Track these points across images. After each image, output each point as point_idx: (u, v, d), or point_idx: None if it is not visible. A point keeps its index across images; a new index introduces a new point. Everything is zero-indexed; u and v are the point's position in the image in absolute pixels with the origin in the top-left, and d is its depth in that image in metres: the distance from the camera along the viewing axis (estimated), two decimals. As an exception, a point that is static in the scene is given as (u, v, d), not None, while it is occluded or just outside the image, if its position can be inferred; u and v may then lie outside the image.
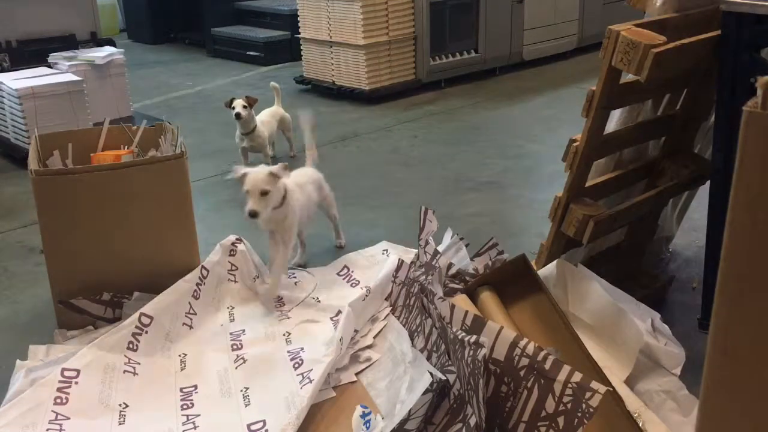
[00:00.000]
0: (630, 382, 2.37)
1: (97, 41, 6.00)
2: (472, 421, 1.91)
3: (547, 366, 1.87)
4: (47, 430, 2.25)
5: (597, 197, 2.67)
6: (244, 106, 4.49)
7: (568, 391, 1.82)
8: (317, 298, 2.91)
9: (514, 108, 6.14)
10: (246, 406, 2.38)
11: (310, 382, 2.39)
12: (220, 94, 6.74)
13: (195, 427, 2.30)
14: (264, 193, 2.81)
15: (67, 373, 2.44)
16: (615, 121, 2.75)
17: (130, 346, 2.62)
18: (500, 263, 2.72)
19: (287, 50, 7.99)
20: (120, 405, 2.39)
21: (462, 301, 2.41)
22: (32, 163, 2.91)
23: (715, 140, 2.52)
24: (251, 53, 8.21)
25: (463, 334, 2.03)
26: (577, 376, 1.82)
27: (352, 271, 3.12)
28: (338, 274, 3.15)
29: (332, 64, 6.50)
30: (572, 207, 2.55)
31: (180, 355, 2.67)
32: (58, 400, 2.35)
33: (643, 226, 2.99)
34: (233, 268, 3.06)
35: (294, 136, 5.03)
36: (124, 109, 5.48)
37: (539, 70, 7.34)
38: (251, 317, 2.89)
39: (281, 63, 8.02)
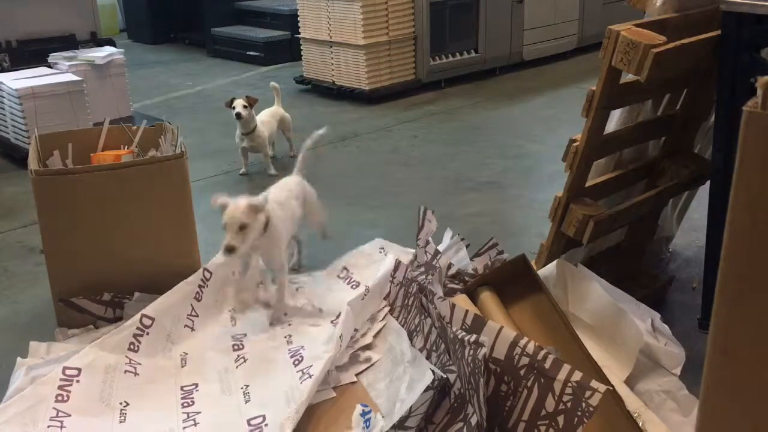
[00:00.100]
0: (630, 382, 2.37)
1: (97, 41, 6.00)
2: (473, 420, 1.91)
3: (547, 365, 1.87)
4: (48, 427, 2.25)
5: (597, 197, 2.67)
6: (245, 106, 4.49)
7: (568, 390, 1.82)
8: (320, 309, 2.91)
9: (514, 108, 6.14)
10: (246, 402, 2.38)
11: (310, 377, 2.39)
12: (220, 94, 6.74)
13: (195, 424, 2.31)
14: (243, 227, 2.61)
15: (68, 372, 2.44)
16: (615, 121, 2.75)
17: (131, 347, 2.62)
18: (500, 263, 2.73)
19: (287, 50, 7.99)
20: (121, 403, 2.40)
21: (462, 301, 2.41)
22: (32, 163, 2.91)
23: (715, 140, 2.52)
24: (251, 53, 8.21)
25: (464, 333, 2.03)
26: (577, 375, 1.82)
27: (352, 273, 3.12)
28: (338, 276, 3.15)
29: (332, 64, 6.50)
30: (572, 207, 2.55)
31: (181, 354, 2.67)
32: (59, 398, 2.35)
33: (643, 226, 2.99)
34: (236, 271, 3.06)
35: (294, 136, 5.04)
36: (124, 109, 5.48)
37: (539, 70, 7.34)
38: (253, 320, 2.88)
39: (281, 63, 8.02)
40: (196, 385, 2.49)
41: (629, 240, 2.99)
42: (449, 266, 2.77)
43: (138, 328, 2.67)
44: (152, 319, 2.70)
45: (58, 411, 2.30)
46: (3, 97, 4.90)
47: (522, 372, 1.92)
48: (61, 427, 2.26)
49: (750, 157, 1.52)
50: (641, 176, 2.88)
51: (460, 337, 2.01)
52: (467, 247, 2.96)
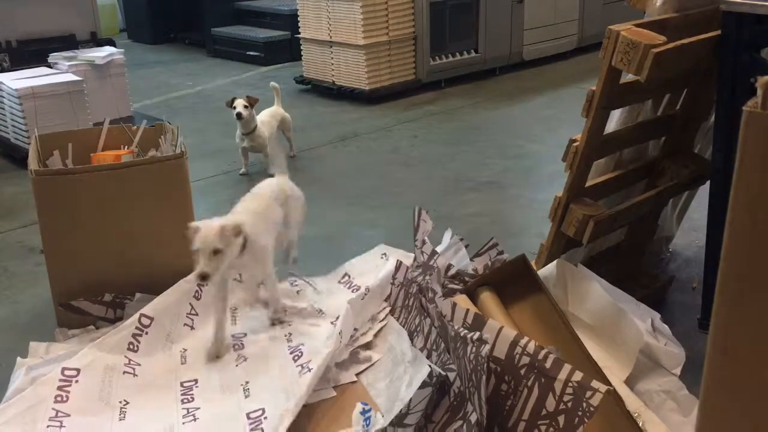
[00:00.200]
0: (630, 382, 2.37)
1: (97, 41, 6.01)
2: (473, 419, 1.91)
3: (548, 365, 1.87)
4: (47, 427, 2.25)
5: (597, 197, 2.67)
6: (245, 106, 4.49)
7: (569, 390, 1.82)
8: (320, 310, 2.91)
9: (514, 108, 6.14)
10: (246, 397, 2.39)
11: (309, 371, 2.40)
12: (220, 94, 6.74)
13: (195, 420, 2.31)
14: (217, 252, 2.45)
15: (67, 372, 2.44)
16: (615, 121, 2.75)
17: (131, 347, 2.62)
18: (500, 263, 2.72)
19: (287, 50, 7.99)
20: (120, 402, 2.40)
21: (462, 301, 2.41)
22: (32, 163, 2.91)
23: (715, 140, 2.52)
24: (251, 53, 8.21)
25: (465, 331, 2.03)
26: (578, 375, 1.82)
27: (353, 278, 3.12)
28: (339, 282, 3.15)
29: (332, 64, 6.50)
30: (572, 207, 2.55)
31: (181, 351, 2.68)
32: (59, 398, 2.35)
33: (643, 226, 2.99)
34: None
35: (294, 136, 5.05)
36: (124, 109, 5.48)
37: (539, 70, 7.35)
38: (253, 319, 2.88)
39: (281, 63, 8.02)
40: (196, 381, 2.50)
41: (629, 240, 2.99)
42: (449, 266, 2.77)
43: (137, 328, 2.67)
44: (151, 318, 2.70)
45: (57, 411, 2.31)
46: (3, 97, 4.90)
47: (522, 371, 1.92)
48: (61, 426, 2.26)
49: (750, 157, 1.52)
50: (641, 176, 2.88)
51: (462, 334, 2.01)
52: (467, 247, 2.95)
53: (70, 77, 4.95)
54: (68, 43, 5.82)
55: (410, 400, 1.99)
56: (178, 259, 2.92)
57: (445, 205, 4.02)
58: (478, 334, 1.97)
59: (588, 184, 2.63)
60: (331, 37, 6.40)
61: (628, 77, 2.40)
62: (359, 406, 2.21)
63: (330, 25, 6.37)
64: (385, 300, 2.89)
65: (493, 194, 4.27)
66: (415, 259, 2.86)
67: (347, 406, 2.35)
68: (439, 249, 2.89)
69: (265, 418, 2.26)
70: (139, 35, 9.70)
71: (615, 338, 2.44)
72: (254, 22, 8.75)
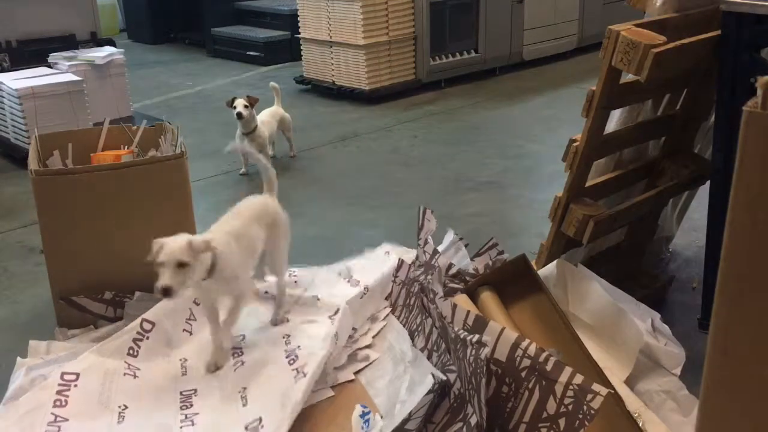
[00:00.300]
0: (630, 382, 2.37)
1: (97, 41, 6.01)
2: (473, 421, 1.91)
3: (549, 367, 1.87)
4: (45, 431, 2.25)
5: (597, 197, 2.67)
6: (246, 106, 4.49)
7: (570, 393, 1.82)
8: (317, 296, 2.90)
9: (514, 108, 6.14)
10: (244, 406, 2.38)
11: (304, 376, 2.39)
12: (220, 94, 6.74)
13: (193, 425, 2.31)
14: (182, 265, 2.29)
15: (66, 377, 2.43)
16: (615, 121, 2.75)
17: (131, 351, 2.61)
18: (500, 263, 2.72)
19: (287, 50, 7.99)
20: (119, 406, 2.39)
21: (462, 301, 2.41)
22: (32, 163, 2.91)
23: (715, 140, 2.52)
24: (251, 53, 8.21)
25: (465, 333, 2.03)
26: (579, 378, 1.82)
27: (353, 272, 3.12)
28: (339, 274, 3.14)
29: (332, 64, 6.50)
30: (572, 207, 2.55)
31: (181, 360, 2.66)
32: (58, 403, 2.34)
33: (643, 226, 2.99)
34: None
35: (294, 136, 5.05)
36: (124, 109, 5.48)
37: (539, 70, 7.35)
38: (252, 321, 2.87)
39: (281, 63, 8.02)
40: (195, 390, 2.48)
41: (629, 240, 2.99)
42: (450, 266, 2.77)
43: (138, 333, 2.65)
44: (153, 323, 2.69)
45: (56, 416, 2.29)
46: (3, 97, 4.90)
47: (523, 374, 1.92)
48: (59, 431, 2.26)
49: (750, 157, 1.52)
50: (641, 176, 2.88)
51: (462, 337, 2.01)
52: (467, 247, 2.96)
53: (70, 77, 4.95)
54: (68, 43, 5.83)
55: (411, 410, 1.98)
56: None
57: (445, 205, 4.02)
58: (477, 336, 1.97)
59: (588, 184, 2.63)
60: (331, 37, 6.40)
61: (628, 77, 2.40)
62: (358, 409, 2.20)
63: (330, 25, 6.37)
64: (386, 298, 2.88)
65: (493, 194, 4.27)
66: (417, 258, 2.86)
67: (345, 404, 2.35)
68: (439, 248, 2.89)
69: (263, 427, 2.25)
70: (139, 35, 9.70)
71: (615, 338, 2.44)
72: (254, 22, 8.75)
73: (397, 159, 4.96)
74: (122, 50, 5.68)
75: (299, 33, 6.74)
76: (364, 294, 2.82)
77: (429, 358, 2.30)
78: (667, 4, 2.55)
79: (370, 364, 2.59)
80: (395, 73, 6.42)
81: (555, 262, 2.65)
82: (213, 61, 8.53)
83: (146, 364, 2.60)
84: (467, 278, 2.72)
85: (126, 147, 3.32)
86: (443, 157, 4.94)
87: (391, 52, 6.34)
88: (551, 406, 1.85)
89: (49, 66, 5.38)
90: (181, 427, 2.30)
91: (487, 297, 2.46)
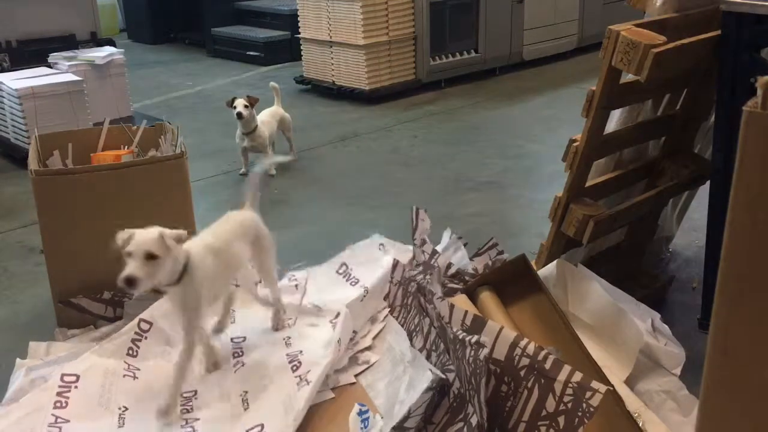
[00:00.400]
0: (630, 382, 2.37)
1: (97, 41, 6.01)
2: (474, 421, 1.91)
3: (548, 366, 1.87)
4: None
5: (597, 197, 2.67)
6: (246, 106, 4.49)
7: (569, 391, 1.82)
8: (318, 307, 2.90)
9: (514, 108, 6.14)
10: (245, 410, 2.37)
11: (308, 383, 2.38)
12: (220, 94, 6.74)
13: (194, 430, 2.30)
14: (151, 257, 2.13)
15: (66, 378, 2.43)
16: (615, 121, 2.75)
17: (130, 352, 2.61)
18: (500, 263, 2.73)
19: (287, 50, 7.99)
20: (120, 408, 2.38)
21: (462, 301, 2.41)
22: (32, 163, 2.91)
23: (715, 140, 2.52)
24: (251, 53, 8.21)
25: (464, 333, 2.03)
26: (578, 376, 1.82)
27: (351, 269, 3.11)
28: (337, 272, 3.14)
29: (332, 64, 6.50)
30: (572, 207, 2.55)
31: None
32: (58, 404, 2.33)
33: (643, 226, 2.99)
34: None
35: (294, 136, 5.05)
36: (124, 109, 5.48)
37: (539, 70, 7.35)
38: (252, 322, 2.87)
39: (281, 63, 8.02)
40: (195, 392, 2.47)
41: (629, 240, 2.99)
42: (449, 266, 2.77)
43: (136, 333, 2.65)
44: (150, 323, 2.68)
45: (56, 417, 2.29)
46: (3, 97, 4.90)
47: (522, 373, 1.92)
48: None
49: (750, 157, 1.52)
50: (641, 176, 2.88)
51: (461, 337, 2.01)
52: (466, 246, 2.95)
53: (70, 77, 4.95)
54: (68, 43, 5.82)
55: (410, 406, 1.98)
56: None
57: (445, 205, 4.02)
58: (476, 337, 1.97)
59: (588, 184, 2.63)
60: (331, 37, 6.40)
61: (628, 77, 2.40)
62: (356, 408, 2.20)
63: (330, 25, 6.37)
64: (384, 298, 2.88)
65: (493, 194, 4.27)
66: (414, 258, 2.86)
67: (345, 405, 2.35)
68: (438, 248, 2.89)
69: None
70: (139, 35, 9.70)
71: (615, 338, 2.44)
72: (254, 22, 8.75)
73: (397, 159, 4.96)
74: (122, 50, 5.68)
75: (299, 33, 6.74)
76: (364, 296, 2.82)
77: (428, 358, 2.30)
78: (667, 4, 2.55)
79: (371, 366, 2.59)
80: (395, 73, 6.42)
81: (555, 262, 2.65)
82: (213, 61, 8.53)
83: (146, 364, 2.60)
84: (467, 278, 2.72)
85: (126, 147, 3.32)
86: (443, 157, 4.94)
87: (391, 52, 6.34)
88: (550, 404, 1.85)
89: (49, 66, 5.38)
90: None
91: (487, 297, 2.46)
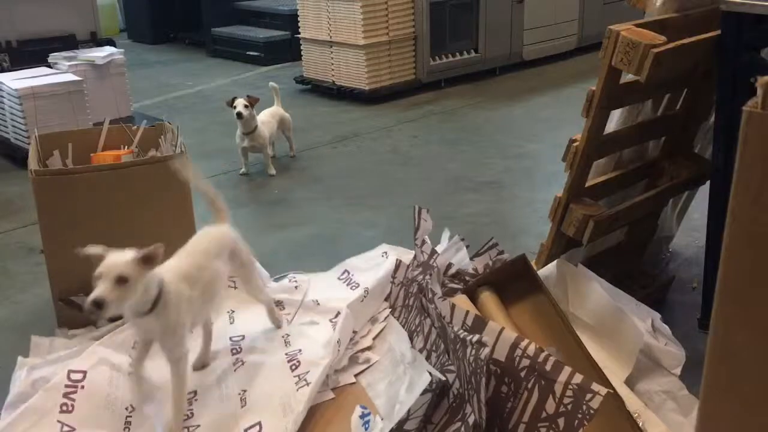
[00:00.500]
0: (630, 382, 2.37)
1: (97, 41, 6.01)
2: (471, 420, 1.91)
3: (548, 367, 1.87)
4: None
5: (597, 197, 2.67)
6: (246, 106, 4.49)
7: (569, 393, 1.82)
8: (316, 301, 2.90)
9: (515, 108, 6.14)
10: (243, 407, 2.37)
11: (307, 384, 2.38)
12: (220, 94, 6.74)
13: None
14: (122, 281, 2.01)
15: (73, 376, 2.40)
16: (615, 121, 2.75)
17: (135, 346, 2.61)
18: (500, 263, 2.72)
19: (287, 50, 7.99)
20: (126, 408, 2.37)
21: (462, 301, 2.41)
22: (32, 163, 2.91)
23: (715, 140, 2.52)
24: (251, 53, 8.21)
25: (465, 333, 2.03)
26: (578, 378, 1.82)
27: (352, 275, 3.11)
28: (339, 278, 3.14)
29: (332, 64, 6.50)
30: (572, 207, 2.55)
31: None
32: (64, 407, 2.32)
33: (643, 226, 2.99)
34: None
35: (294, 136, 5.05)
36: (124, 109, 5.48)
37: (539, 70, 7.34)
38: (251, 321, 2.87)
39: (281, 63, 8.02)
40: (195, 393, 2.47)
41: (629, 240, 2.99)
42: (449, 266, 2.77)
43: None
44: None
45: (63, 424, 2.27)
46: (3, 97, 4.90)
47: (523, 374, 1.91)
48: None
49: (750, 157, 1.52)
50: (641, 176, 2.88)
51: (462, 337, 2.01)
52: (467, 247, 2.95)
53: (70, 77, 4.95)
54: (68, 43, 5.82)
55: (410, 408, 1.98)
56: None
57: (445, 205, 4.02)
58: (477, 336, 1.97)
59: (588, 184, 2.63)
60: (331, 37, 6.40)
61: (628, 77, 2.40)
62: (358, 410, 2.20)
63: (330, 25, 6.37)
64: (386, 299, 2.88)
65: (493, 194, 4.27)
66: (415, 258, 2.86)
67: (345, 405, 2.35)
68: (438, 249, 2.89)
69: None
70: (139, 35, 9.70)
71: (615, 338, 2.44)
72: (254, 22, 8.75)
73: (396, 159, 4.96)
74: (122, 50, 5.68)
75: (299, 33, 6.74)
76: (365, 297, 2.82)
77: (428, 358, 2.30)
78: (667, 4, 2.55)
79: (371, 366, 2.59)
80: (395, 73, 6.42)
81: (555, 262, 2.65)
82: (213, 61, 8.52)
83: (148, 362, 2.59)
84: (467, 278, 2.72)
85: (126, 147, 3.32)
86: (443, 157, 4.94)
87: (391, 52, 6.34)
88: (550, 405, 1.85)
89: (49, 66, 5.38)
90: None
91: (487, 297, 2.46)
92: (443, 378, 2.05)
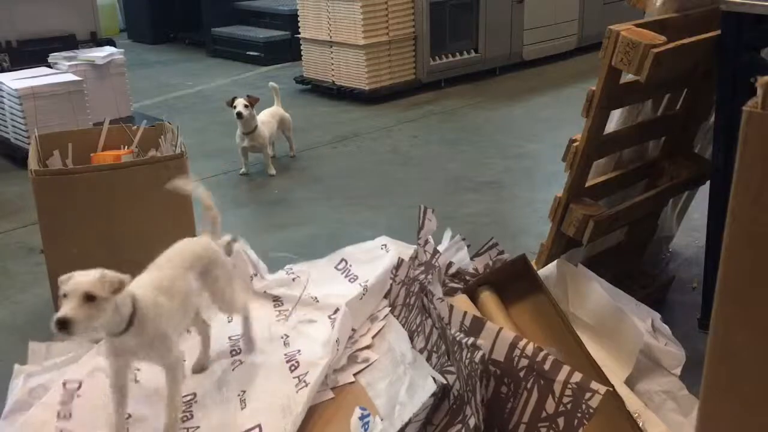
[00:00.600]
0: (630, 382, 2.37)
1: (97, 41, 6.01)
2: (471, 422, 1.91)
3: (547, 366, 1.87)
4: None
5: (597, 197, 2.67)
6: (246, 106, 4.49)
7: (568, 392, 1.82)
8: (315, 298, 2.90)
9: (514, 108, 6.14)
10: (242, 409, 2.37)
11: (306, 385, 2.38)
12: (220, 94, 6.74)
13: None
14: (89, 299, 1.92)
15: (69, 386, 2.40)
16: (615, 121, 2.75)
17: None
18: (500, 263, 2.72)
19: (287, 50, 7.99)
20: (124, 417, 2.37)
21: (462, 301, 2.41)
22: (32, 163, 2.91)
23: (715, 140, 2.52)
24: (251, 53, 8.21)
25: (461, 335, 2.03)
26: (577, 377, 1.82)
27: (350, 265, 3.10)
28: (336, 267, 3.13)
29: (332, 64, 6.50)
30: (572, 207, 2.55)
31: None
32: (61, 415, 2.31)
33: (643, 226, 2.99)
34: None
35: (294, 136, 5.05)
36: (124, 109, 5.49)
37: (539, 70, 7.34)
38: (253, 319, 2.86)
39: (281, 63, 8.02)
40: (195, 395, 2.46)
41: (629, 240, 2.99)
42: (449, 265, 2.77)
43: None
44: None
45: (61, 430, 2.27)
46: (3, 97, 4.90)
47: (522, 373, 1.91)
48: None
49: (750, 157, 1.52)
50: (641, 176, 2.88)
51: (458, 339, 2.01)
52: (468, 247, 2.95)
53: (70, 77, 4.95)
54: (68, 43, 5.82)
55: (411, 415, 1.98)
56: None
57: (445, 205, 4.02)
58: (472, 339, 1.96)
59: (588, 184, 2.63)
60: (331, 37, 6.40)
61: (628, 77, 2.40)
62: (357, 411, 2.19)
63: (330, 25, 6.37)
64: (385, 297, 2.88)
65: (493, 194, 4.27)
66: (416, 257, 2.86)
67: (344, 404, 2.35)
68: (439, 248, 2.89)
69: None
70: (139, 35, 9.70)
71: (615, 338, 2.44)
72: (254, 22, 8.75)
73: (397, 159, 4.96)
74: (122, 50, 5.68)
75: (299, 33, 6.74)
76: (364, 294, 2.82)
77: (429, 359, 2.29)
78: (667, 4, 2.55)
79: (370, 365, 2.58)
80: (395, 73, 6.42)
81: (555, 262, 2.65)
82: (213, 61, 8.52)
83: (147, 366, 2.59)
84: (467, 278, 2.72)
85: (126, 147, 3.32)
86: (443, 157, 4.94)
87: (391, 52, 6.34)
88: (550, 405, 1.85)
89: (49, 66, 5.38)
90: None
91: (487, 297, 2.46)
92: (445, 381, 2.05)
